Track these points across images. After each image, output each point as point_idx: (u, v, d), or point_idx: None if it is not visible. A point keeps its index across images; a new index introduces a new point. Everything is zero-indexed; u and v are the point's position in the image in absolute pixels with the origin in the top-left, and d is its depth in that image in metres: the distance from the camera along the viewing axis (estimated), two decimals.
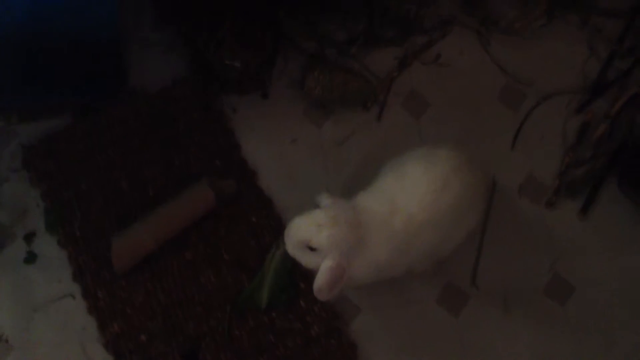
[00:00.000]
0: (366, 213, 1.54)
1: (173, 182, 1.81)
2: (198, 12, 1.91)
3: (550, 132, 1.95)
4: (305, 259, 1.55)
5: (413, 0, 2.04)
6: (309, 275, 1.74)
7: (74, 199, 1.78)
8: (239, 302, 1.70)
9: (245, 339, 1.67)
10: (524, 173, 1.90)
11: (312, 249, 1.52)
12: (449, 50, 2.03)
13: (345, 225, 1.50)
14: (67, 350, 1.64)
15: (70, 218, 1.76)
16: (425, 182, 1.55)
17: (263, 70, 1.93)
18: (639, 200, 1.86)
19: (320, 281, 1.51)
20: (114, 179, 1.81)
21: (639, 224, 1.86)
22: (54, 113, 1.87)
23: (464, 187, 1.57)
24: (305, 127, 1.92)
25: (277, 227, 1.79)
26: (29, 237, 1.74)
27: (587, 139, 1.93)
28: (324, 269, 1.51)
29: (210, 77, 1.91)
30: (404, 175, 1.57)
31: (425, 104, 1.97)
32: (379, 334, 1.70)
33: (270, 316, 1.69)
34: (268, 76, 1.95)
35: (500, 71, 2.01)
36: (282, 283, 1.72)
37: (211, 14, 1.89)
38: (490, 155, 1.91)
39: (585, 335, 1.73)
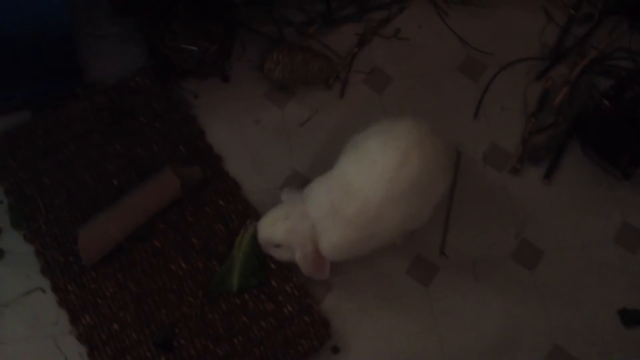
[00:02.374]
0: (314, 202, 1.59)
1: (137, 172, 1.80)
2: (152, 3, 1.90)
3: (512, 100, 1.96)
4: (278, 255, 1.67)
5: None
6: None
7: (38, 195, 1.77)
8: (210, 288, 1.70)
9: (218, 322, 1.67)
10: (487, 142, 1.92)
11: (277, 245, 1.64)
12: (407, 25, 2.04)
13: (299, 216, 1.59)
14: (39, 345, 1.63)
15: (34, 213, 1.75)
16: (382, 160, 1.54)
17: (221, 55, 1.92)
18: (602, 162, 1.89)
19: (304, 270, 1.62)
20: (76, 173, 1.79)
21: (602, 186, 1.88)
22: (12, 109, 1.85)
23: (425, 161, 1.56)
24: (267, 108, 1.92)
25: (245, 211, 1.79)
26: None
27: (548, 105, 1.95)
28: (298, 260, 1.62)
29: (168, 65, 1.90)
30: (363, 154, 1.58)
31: (387, 79, 1.98)
32: (350, 309, 1.71)
33: (242, 298, 1.69)
34: (227, 60, 1.94)
35: (460, 42, 2.02)
36: (253, 266, 1.72)
37: (165, 5, 1.88)
38: (453, 126, 1.92)
39: (553, 299, 1.76)
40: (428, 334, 1.71)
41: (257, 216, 1.77)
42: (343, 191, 1.56)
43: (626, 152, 1.84)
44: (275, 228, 1.63)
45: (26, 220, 1.74)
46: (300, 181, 1.82)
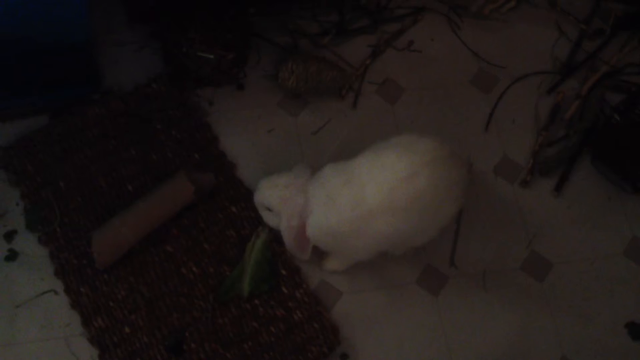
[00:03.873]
0: (316, 181, 1.62)
1: (152, 178, 1.82)
2: (169, 12, 1.93)
3: (523, 113, 1.98)
4: (266, 218, 1.72)
5: None
6: (290, 262, 1.76)
7: (53, 198, 1.79)
8: (220, 293, 1.71)
9: (228, 327, 1.69)
10: (498, 154, 1.93)
11: (268, 209, 1.69)
12: (420, 37, 2.06)
13: (295, 189, 1.63)
14: (51, 346, 1.65)
15: (50, 216, 1.77)
16: (391, 168, 1.55)
17: (237, 64, 1.94)
18: (611, 176, 1.90)
19: (286, 243, 1.68)
20: (92, 178, 1.81)
21: (612, 199, 1.89)
22: (31, 114, 1.88)
23: (432, 183, 1.55)
24: (281, 117, 1.94)
25: (257, 218, 1.80)
26: (10, 236, 1.74)
27: (559, 119, 1.97)
28: (282, 231, 1.66)
29: (184, 72, 1.92)
30: (378, 157, 1.59)
31: (399, 90, 2.00)
32: (360, 317, 1.72)
33: (252, 304, 1.71)
34: (242, 69, 1.97)
35: (472, 55, 2.04)
36: (263, 272, 1.73)
37: (182, 13, 1.91)
38: (465, 138, 1.94)
39: (562, 310, 1.77)
40: (437, 343, 1.71)
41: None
42: (345, 180, 1.58)
43: (637, 167, 1.85)
44: (272, 192, 1.67)
45: (41, 223, 1.76)
46: None
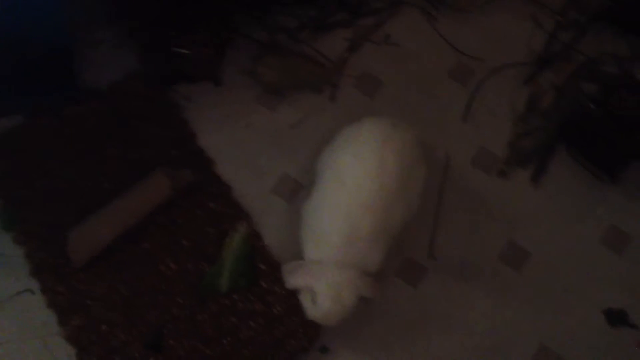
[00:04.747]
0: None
1: (129, 176, 1.81)
2: (145, 9, 1.92)
3: (500, 105, 1.99)
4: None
5: None
6: (269, 257, 1.75)
7: (29, 198, 1.77)
8: (199, 288, 1.71)
9: (208, 323, 1.68)
10: (476, 145, 1.94)
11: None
12: (398, 30, 2.06)
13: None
14: (28, 346, 1.63)
15: (26, 216, 1.75)
16: (362, 171, 1.60)
17: (214, 60, 1.94)
18: (589, 166, 1.91)
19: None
20: (68, 177, 1.80)
21: (589, 188, 1.90)
22: (7, 114, 1.86)
23: (398, 153, 1.62)
24: (259, 112, 1.94)
25: (236, 214, 1.80)
26: None
27: (535, 110, 1.97)
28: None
29: (161, 69, 1.91)
30: (341, 174, 1.63)
31: (377, 83, 2.00)
32: None
33: (231, 299, 1.70)
34: (220, 64, 1.96)
35: (449, 48, 2.05)
36: (242, 267, 1.73)
37: (158, 10, 1.90)
38: (442, 130, 1.94)
39: (540, 299, 1.77)
40: (417, 334, 1.72)
41: (247, 218, 1.78)
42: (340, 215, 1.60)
43: (613, 156, 1.86)
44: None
45: (17, 223, 1.75)
46: (291, 185, 1.84)
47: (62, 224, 1.74)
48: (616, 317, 1.76)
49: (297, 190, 1.84)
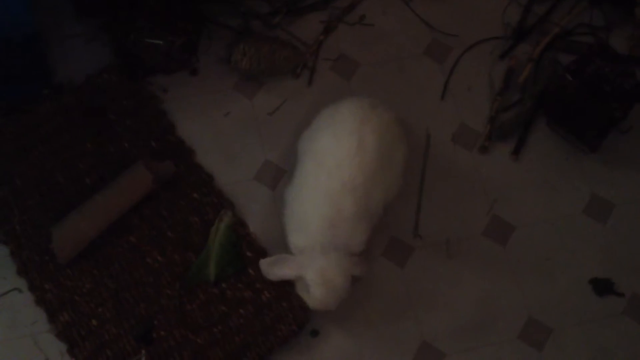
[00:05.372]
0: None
1: (110, 170, 1.80)
2: (116, 2, 1.90)
3: (478, 80, 1.99)
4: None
5: None
6: (255, 244, 1.76)
7: (10, 196, 1.76)
8: (187, 279, 1.71)
9: (197, 313, 1.68)
10: (456, 122, 1.94)
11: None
12: (372, 11, 2.06)
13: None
14: (19, 345, 1.63)
15: (8, 215, 1.75)
16: (342, 151, 1.61)
17: (188, 49, 1.92)
18: (569, 137, 1.92)
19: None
20: (48, 174, 1.79)
21: (569, 159, 1.92)
22: None
23: (379, 132, 1.64)
24: (237, 100, 1.93)
25: (219, 202, 1.80)
26: None
27: (513, 83, 1.98)
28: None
29: (135, 61, 1.90)
30: (321, 156, 1.64)
31: (354, 65, 2.00)
32: None
33: (220, 287, 1.71)
34: (194, 54, 1.95)
35: (424, 26, 2.04)
36: (229, 255, 1.73)
37: (129, 3, 1.88)
38: (422, 109, 1.94)
39: (527, 272, 1.79)
40: (405, 314, 1.73)
41: (231, 207, 1.78)
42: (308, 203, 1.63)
43: (591, 126, 1.87)
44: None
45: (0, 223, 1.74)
46: (273, 171, 1.84)
47: (45, 221, 1.73)
48: (603, 287, 1.78)
49: (280, 176, 1.84)
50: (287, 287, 1.71)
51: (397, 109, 1.80)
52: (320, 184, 1.61)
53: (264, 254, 1.74)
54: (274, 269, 1.64)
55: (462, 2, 2.08)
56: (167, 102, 1.91)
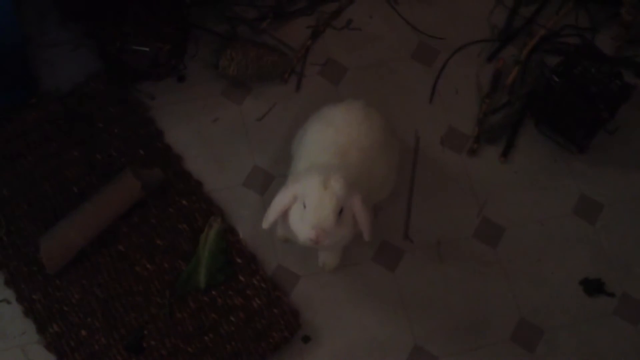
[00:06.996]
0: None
1: (97, 178, 1.79)
2: (102, 8, 1.89)
3: (466, 83, 2.00)
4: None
5: None
6: (245, 251, 1.75)
7: None
8: (177, 287, 1.70)
9: (188, 321, 1.67)
10: (444, 125, 1.94)
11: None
12: (359, 15, 2.06)
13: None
14: (7, 356, 1.61)
15: None
16: (351, 118, 1.60)
17: (175, 55, 1.91)
18: (557, 138, 1.93)
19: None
20: (36, 183, 1.78)
21: (558, 161, 1.92)
22: None
23: (372, 134, 1.61)
24: (225, 106, 1.93)
25: (208, 209, 1.79)
26: None
27: (501, 86, 1.98)
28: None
29: (121, 68, 1.89)
30: (328, 119, 1.62)
31: (342, 69, 2.00)
32: (319, 299, 1.72)
33: (211, 295, 1.69)
34: (181, 60, 1.94)
35: (411, 29, 2.05)
36: (219, 262, 1.72)
37: (115, 8, 1.87)
38: (410, 112, 1.95)
39: (517, 274, 1.79)
40: (397, 317, 1.72)
41: (220, 213, 1.78)
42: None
43: (579, 127, 1.88)
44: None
45: None
46: (262, 177, 1.84)
47: (33, 232, 1.72)
48: (593, 287, 1.78)
49: (269, 182, 1.84)
50: (277, 293, 1.70)
51: (386, 112, 1.79)
52: (327, 137, 1.58)
53: (254, 260, 1.73)
54: (273, 211, 1.49)
55: (449, 6, 2.08)
56: (155, 109, 1.90)
